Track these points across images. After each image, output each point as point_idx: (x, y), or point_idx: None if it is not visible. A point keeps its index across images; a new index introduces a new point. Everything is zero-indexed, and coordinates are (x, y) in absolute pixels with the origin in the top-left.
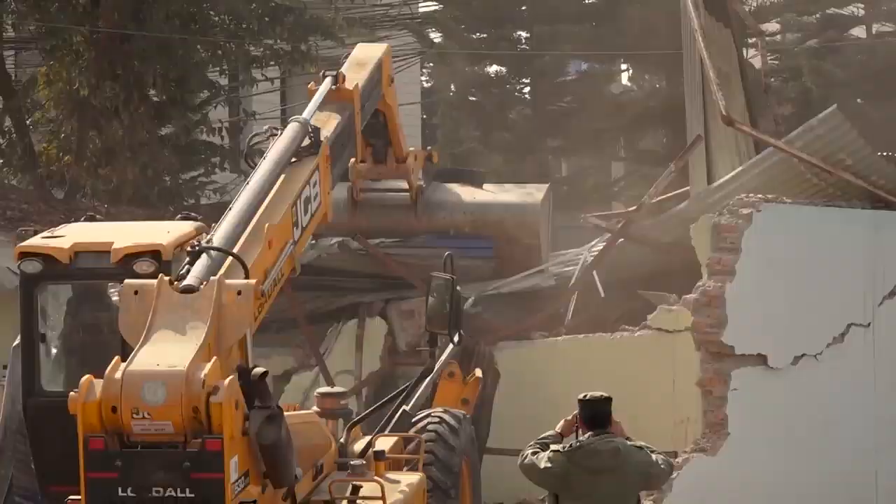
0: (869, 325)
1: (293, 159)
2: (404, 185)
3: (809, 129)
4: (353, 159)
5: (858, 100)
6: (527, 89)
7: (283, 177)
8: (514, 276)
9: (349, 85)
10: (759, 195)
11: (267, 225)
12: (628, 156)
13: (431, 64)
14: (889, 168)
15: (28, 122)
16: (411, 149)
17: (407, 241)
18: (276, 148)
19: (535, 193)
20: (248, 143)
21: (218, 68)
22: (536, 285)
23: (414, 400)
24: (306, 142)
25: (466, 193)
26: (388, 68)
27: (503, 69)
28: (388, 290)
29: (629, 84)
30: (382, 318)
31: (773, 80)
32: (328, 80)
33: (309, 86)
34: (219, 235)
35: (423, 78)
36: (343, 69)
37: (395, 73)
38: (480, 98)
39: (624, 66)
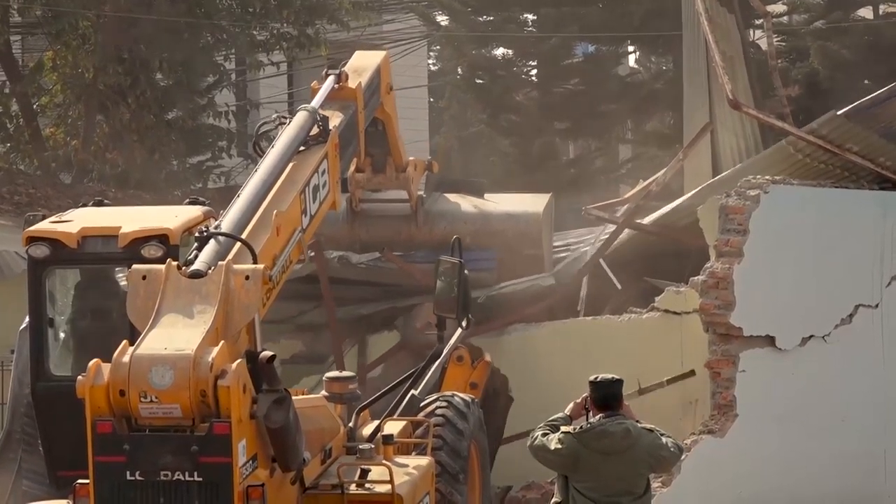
0: (877, 305)
1: (301, 147)
2: (404, 195)
3: (811, 130)
4: (352, 169)
5: (866, 81)
6: (533, 72)
7: (291, 164)
8: (514, 280)
9: (352, 84)
10: (767, 177)
11: (275, 212)
12: (635, 138)
13: (438, 47)
14: None
15: (35, 106)
16: (411, 158)
17: (407, 255)
18: (285, 135)
19: (536, 203)
20: (256, 131)
21: (224, 52)
22: (535, 284)
23: (423, 384)
24: (315, 130)
25: (467, 203)
26: (388, 75)
27: (510, 52)
28: (398, 297)
29: (636, 66)
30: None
31: (779, 61)
32: (331, 79)
33: (312, 84)
34: (227, 222)
35: (429, 61)
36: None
37: (402, 56)
38: (487, 81)
39: (630, 49)
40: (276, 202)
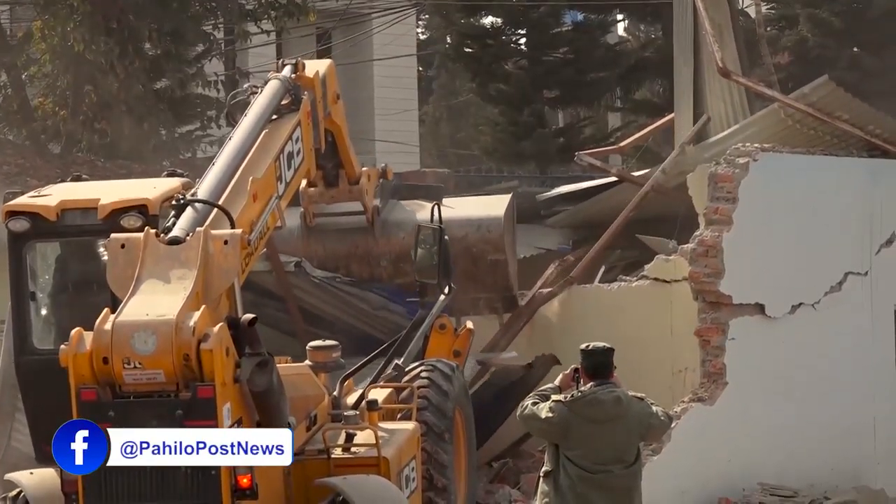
0: (866, 273)
1: (274, 116)
2: (360, 207)
3: (801, 95)
4: (304, 184)
5: (855, 48)
6: (522, 40)
7: (264, 132)
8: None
9: (309, 73)
10: (756, 144)
11: (251, 178)
12: (624, 106)
13: (427, 16)
14: (886, 117)
15: (23, 76)
16: (364, 168)
17: (361, 284)
18: (258, 104)
19: (497, 205)
20: (228, 100)
21: (213, 21)
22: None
23: (406, 353)
24: (286, 100)
25: (425, 211)
26: (334, 84)
27: (498, 20)
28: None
29: (625, 34)
30: None
31: (768, 29)
32: (288, 68)
33: (269, 74)
34: (203, 189)
35: (418, 30)
36: None
37: (391, 25)
38: (476, 50)
39: (619, 17)
40: (251, 169)
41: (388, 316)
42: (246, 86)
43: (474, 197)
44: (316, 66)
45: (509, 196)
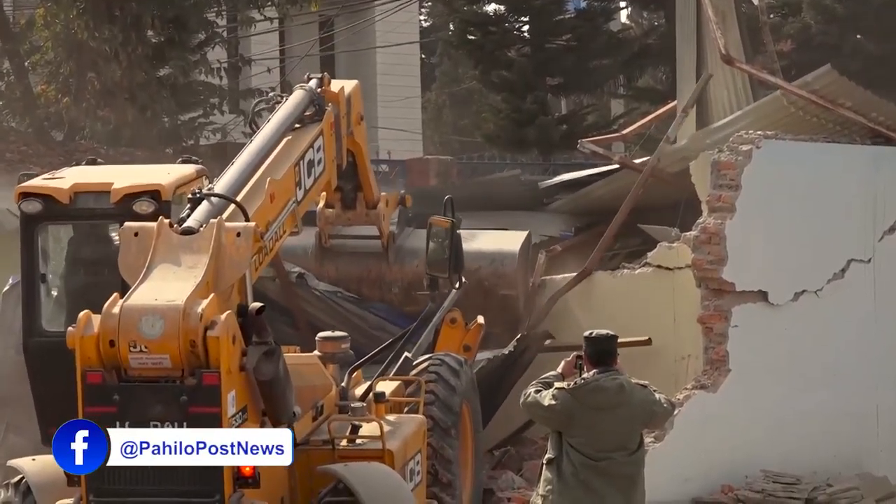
0: (869, 260)
1: (297, 125)
2: (375, 231)
3: (804, 83)
4: (321, 204)
5: (858, 35)
6: (525, 28)
7: (286, 139)
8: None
9: (334, 88)
10: (759, 132)
11: (269, 179)
12: (627, 93)
13: (430, 3)
14: (889, 104)
15: (27, 64)
16: (383, 193)
17: (362, 302)
18: (281, 111)
19: (513, 241)
20: (252, 108)
21: (216, 9)
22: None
23: (416, 346)
24: (311, 110)
25: None
26: (359, 104)
27: (502, 7)
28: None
29: (627, 21)
30: None
31: (771, 15)
32: (314, 82)
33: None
34: (220, 186)
35: (421, 17)
36: None
37: (394, 12)
38: (479, 37)
39: (623, 4)
40: (271, 171)
41: (384, 336)
42: (271, 94)
43: (492, 231)
44: (342, 83)
45: (526, 233)
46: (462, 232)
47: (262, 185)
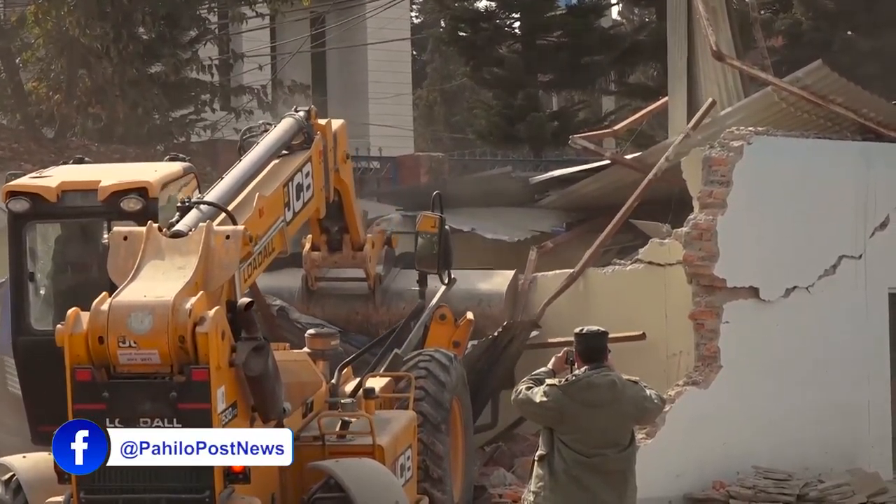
0: (860, 256)
1: (285, 151)
2: (362, 273)
3: (795, 79)
4: (307, 247)
5: (849, 31)
6: (516, 24)
7: (274, 163)
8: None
9: (321, 121)
10: (750, 128)
11: (258, 195)
12: (619, 90)
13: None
14: (879, 100)
15: (17, 61)
16: (369, 234)
17: (344, 335)
18: (270, 136)
19: (500, 281)
20: (241, 136)
21: (207, 5)
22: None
23: (406, 343)
24: (299, 139)
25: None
26: (345, 143)
27: (492, 4)
28: None
29: (619, 18)
30: None
31: (762, 12)
32: (301, 114)
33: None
34: (210, 197)
35: (412, 14)
36: None
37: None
38: (470, 33)
39: (614, 0)
40: (260, 188)
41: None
42: (259, 122)
43: (478, 270)
44: (329, 119)
45: (512, 273)
46: (453, 272)
47: (252, 200)
